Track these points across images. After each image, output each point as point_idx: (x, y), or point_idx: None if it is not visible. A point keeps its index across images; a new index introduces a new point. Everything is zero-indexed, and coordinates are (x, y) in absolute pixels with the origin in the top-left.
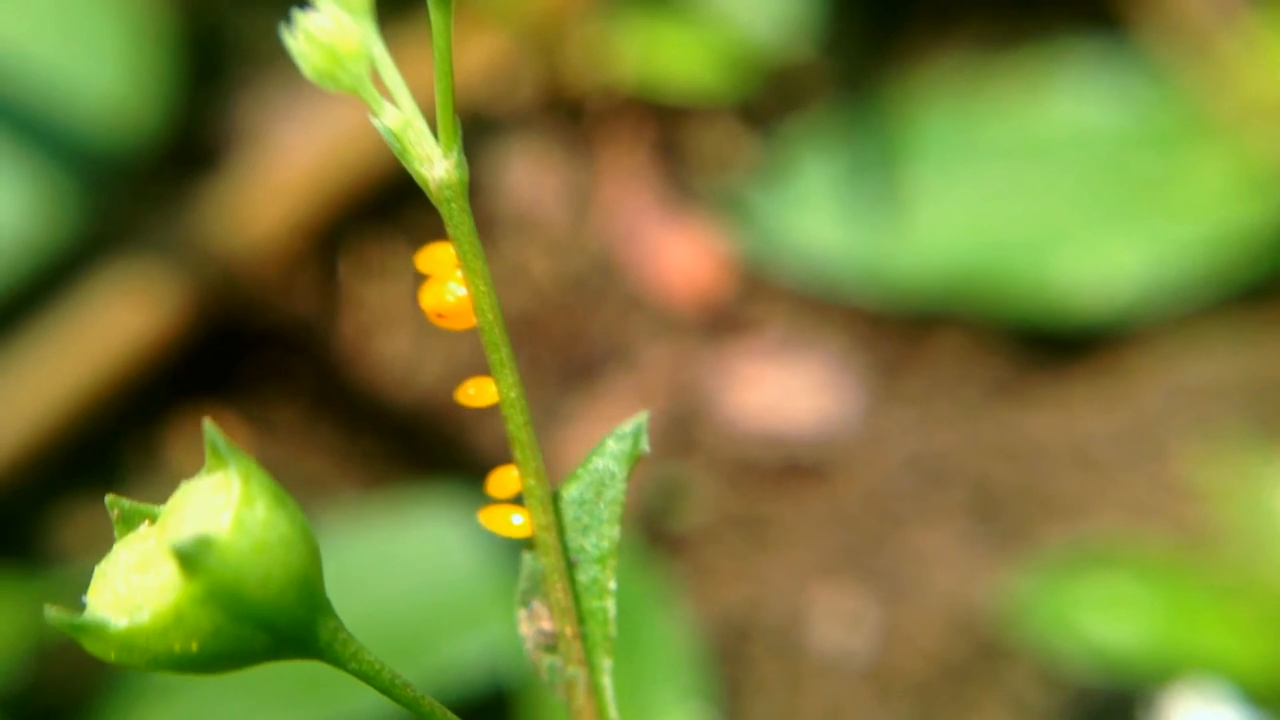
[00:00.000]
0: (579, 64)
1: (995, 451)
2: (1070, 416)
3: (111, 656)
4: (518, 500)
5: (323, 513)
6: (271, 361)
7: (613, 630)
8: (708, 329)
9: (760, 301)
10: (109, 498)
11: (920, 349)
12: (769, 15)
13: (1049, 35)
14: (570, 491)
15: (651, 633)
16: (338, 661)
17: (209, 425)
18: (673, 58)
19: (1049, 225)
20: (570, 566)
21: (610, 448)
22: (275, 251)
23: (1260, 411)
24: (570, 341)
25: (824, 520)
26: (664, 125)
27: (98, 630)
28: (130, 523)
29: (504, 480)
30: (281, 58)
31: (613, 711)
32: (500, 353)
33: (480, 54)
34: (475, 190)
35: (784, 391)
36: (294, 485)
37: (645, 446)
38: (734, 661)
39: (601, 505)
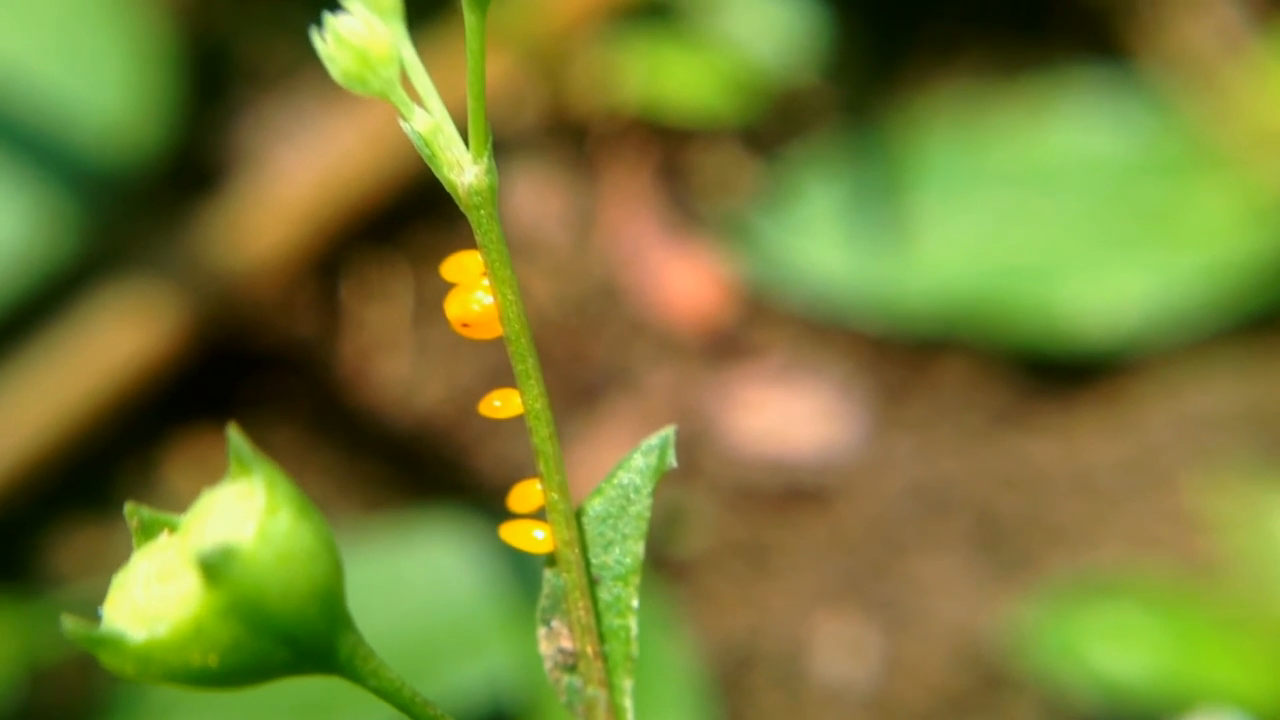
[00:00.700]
0: (583, 87)
1: (999, 479)
2: (1075, 445)
3: (129, 671)
4: (539, 515)
5: None
6: (270, 383)
7: (635, 650)
8: (710, 353)
9: (763, 326)
10: (128, 506)
11: (923, 375)
12: (773, 40)
13: (1052, 64)
14: (594, 506)
15: (653, 659)
16: (357, 678)
17: (233, 433)
18: (677, 82)
19: (1053, 252)
20: (592, 583)
21: (635, 462)
22: (275, 272)
23: (1265, 441)
24: (573, 364)
25: (826, 547)
26: (668, 149)
27: (115, 643)
28: (149, 532)
29: (526, 494)
30: (283, 80)
31: None
32: (526, 363)
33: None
34: None
35: (786, 417)
36: None
37: (672, 461)
38: (736, 690)
39: (625, 521)
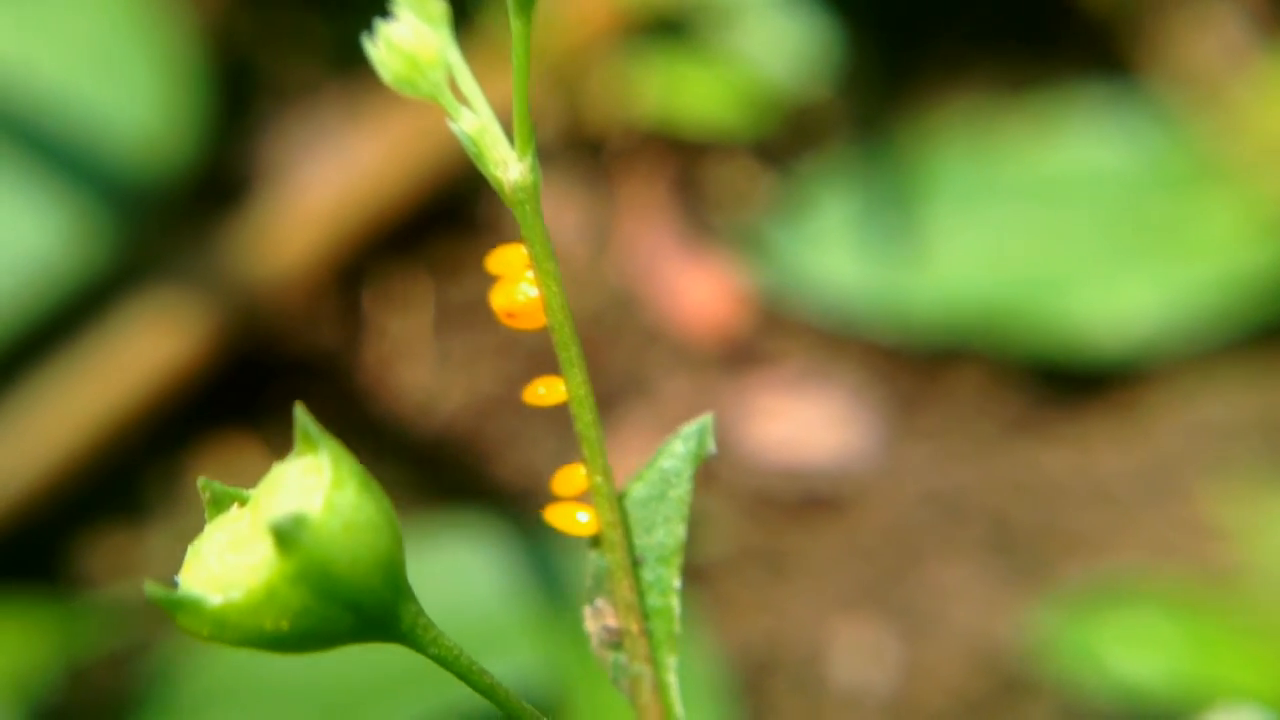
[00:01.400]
0: (600, 101)
1: (1013, 488)
2: (1088, 453)
3: (205, 633)
4: (583, 499)
5: None
6: (295, 390)
7: (678, 627)
8: (726, 363)
9: (778, 336)
10: (200, 480)
11: (937, 385)
12: (787, 55)
13: (1061, 79)
14: (635, 491)
15: None
16: (419, 646)
17: (299, 410)
18: (692, 96)
19: (1064, 264)
20: (635, 564)
21: (676, 448)
22: (299, 282)
23: (1277, 449)
24: (590, 374)
25: (843, 553)
26: (683, 162)
27: (194, 606)
28: (220, 505)
29: (569, 479)
30: (307, 94)
31: (679, 709)
32: (570, 350)
33: (504, 88)
34: (493, 227)
35: (802, 425)
36: None
37: (711, 447)
38: (755, 695)
39: (667, 504)
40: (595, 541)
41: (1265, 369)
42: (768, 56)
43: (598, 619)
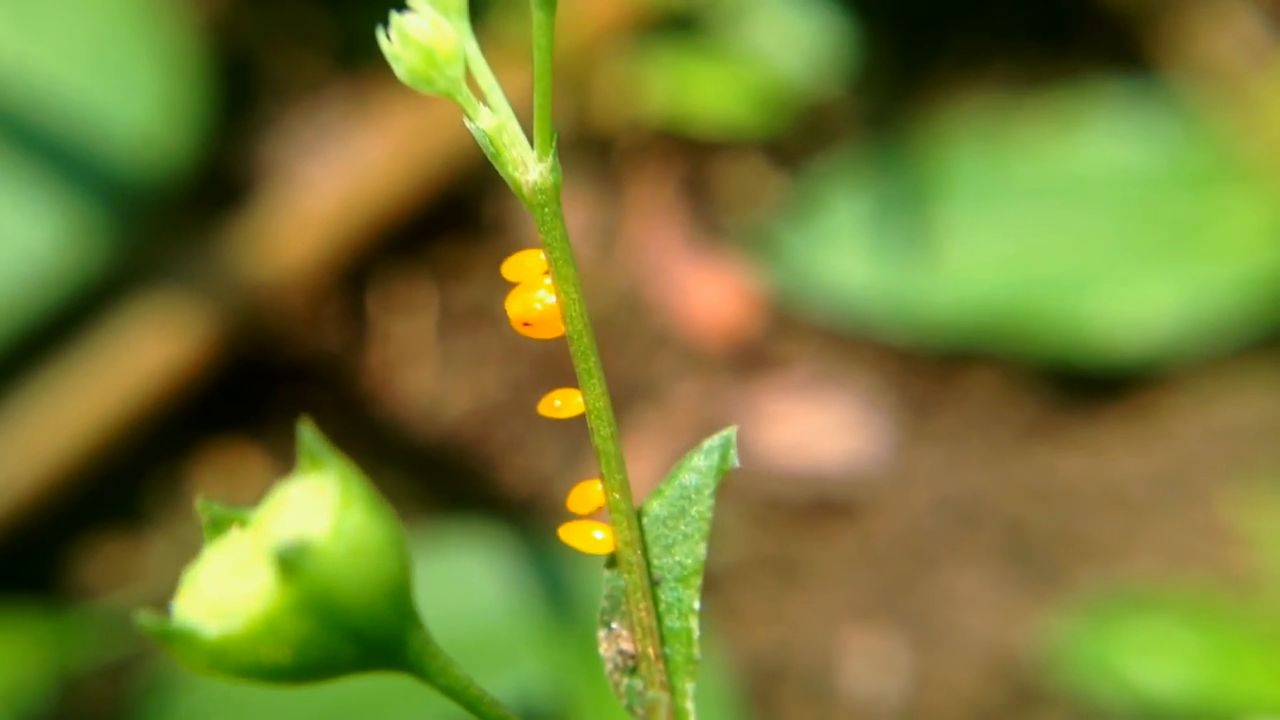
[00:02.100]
0: (608, 100)
1: (1028, 492)
2: (1104, 457)
3: (202, 666)
4: (599, 516)
5: None
6: (297, 395)
7: (697, 652)
8: (736, 366)
9: (789, 339)
10: (199, 501)
11: (951, 388)
12: (798, 53)
13: (1078, 77)
14: (654, 507)
15: None
16: (426, 675)
17: (305, 428)
18: (702, 95)
19: (1082, 264)
20: (652, 585)
21: (697, 463)
22: (302, 285)
23: None
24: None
25: (854, 560)
26: (692, 161)
27: (189, 638)
28: (219, 527)
29: (585, 495)
30: (309, 94)
31: None
32: (589, 361)
33: (511, 89)
34: (502, 228)
35: (813, 429)
36: None
37: (734, 461)
38: (766, 704)
39: (686, 521)
40: (612, 561)
41: None
42: (779, 54)
43: (613, 643)
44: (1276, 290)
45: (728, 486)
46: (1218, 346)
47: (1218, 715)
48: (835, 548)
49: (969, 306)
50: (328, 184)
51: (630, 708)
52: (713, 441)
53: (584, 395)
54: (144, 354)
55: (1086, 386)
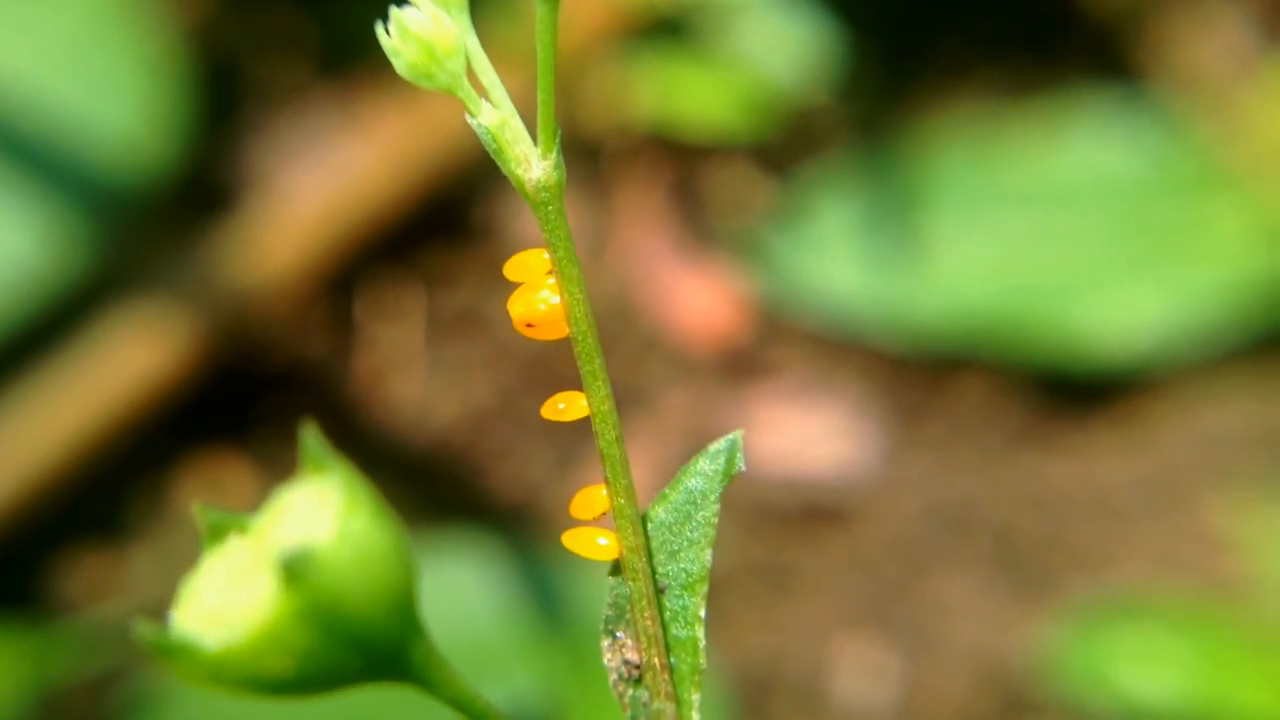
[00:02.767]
0: (597, 105)
1: (1018, 499)
2: (1093, 464)
3: (202, 679)
4: (602, 522)
5: None
6: (283, 403)
7: (704, 661)
8: (726, 372)
9: (779, 345)
10: (197, 506)
11: (941, 394)
12: (787, 58)
13: (1064, 84)
14: (658, 513)
15: None
16: (430, 686)
17: (307, 432)
18: (690, 100)
19: (1069, 271)
20: (657, 592)
21: (702, 467)
22: (287, 292)
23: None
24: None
25: (846, 568)
26: (681, 167)
27: (189, 651)
28: (218, 534)
29: (589, 500)
30: (294, 98)
31: None
32: (594, 363)
33: (510, 89)
34: (490, 232)
35: (803, 436)
36: None
37: (740, 465)
38: (757, 713)
39: (692, 527)
40: (616, 568)
41: (1269, 376)
42: (767, 59)
43: (617, 652)
44: (1262, 297)
45: None
46: (1204, 353)
47: None
48: (826, 555)
49: (958, 312)
50: (313, 189)
51: (635, 718)
52: (718, 445)
53: (588, 398)
54: (127, 362)
55: (1074, 392)
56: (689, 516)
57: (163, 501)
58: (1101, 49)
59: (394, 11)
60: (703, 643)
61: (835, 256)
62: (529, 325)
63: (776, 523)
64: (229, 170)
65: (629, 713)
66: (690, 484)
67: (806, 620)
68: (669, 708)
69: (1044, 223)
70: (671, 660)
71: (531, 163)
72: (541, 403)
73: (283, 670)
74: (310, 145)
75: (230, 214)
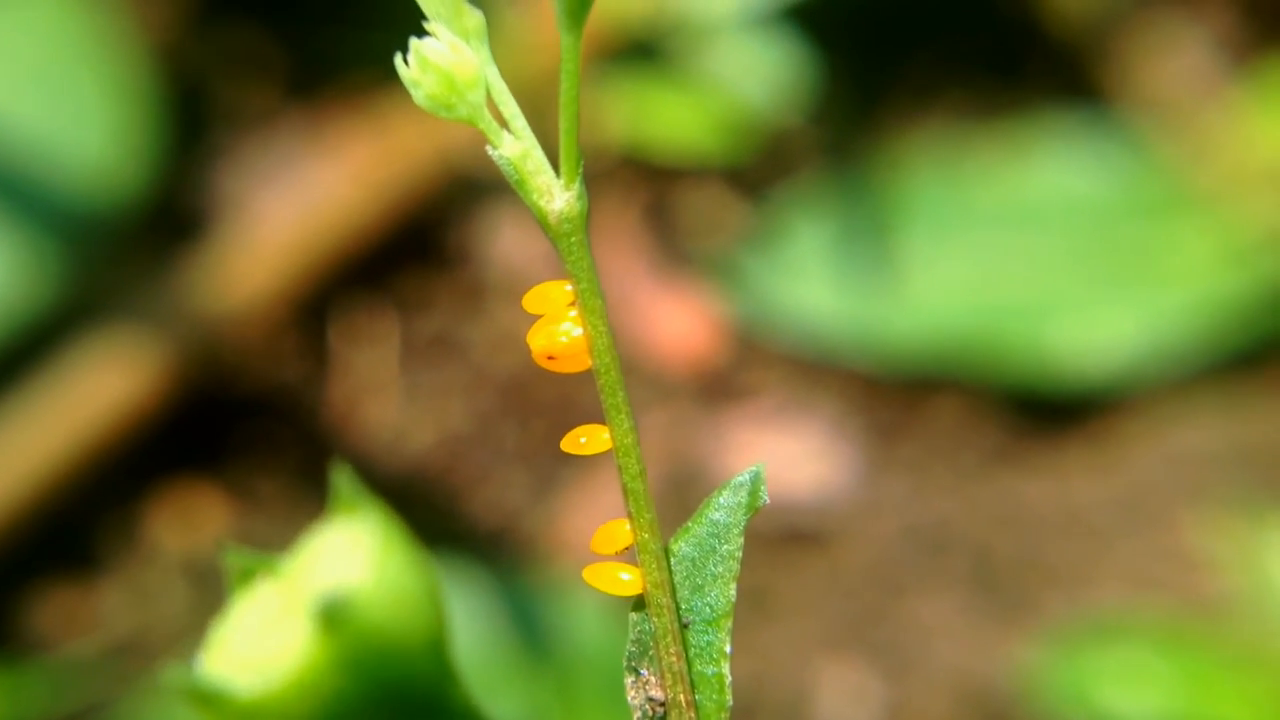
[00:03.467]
0: None
1: (994, 519)
2: (1067, 484)
3: None
4: (625, 557)
5: None
6: (256, 430)
7: (729, 699)
8: (702, 394)
9: (754, 367)
10: (228, 551)
11: (916, 414)
12: (759, 81)
13: (1029, 106)
14: (681, 547)
15: None
16: None
17: (338, 471)
18: (663, 122)
19: (1041, 290)
20: (681, 628)
21: (725, 500)
22: (260, 317)
23: (1252, 478)
24: (562, 408)
25: (825, 590)
26: (655, 189)
27: (220, 699)
28: (248, 577)
29: (611, 535)
30: (263, 122)
31: None
32: (617, 396)
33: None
34: (465, 256)
35: (780, 458)
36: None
37: (764, 498)
38: None
39: (716, 561)
40: (639, 603)
41: (1240, 395)
42: (741, 82)
43: (641, 689)
44: (1230, 316)
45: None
46: (1173, 372)
47: None
48: (805, 578)
49: (931, 333)
50: (284, 214)
51: None
52: (741, 477)
53: (612, 431)
54: (97, 391)
55: (1047, 412)
56: (713, 550)
57: (135, 533)
58: (1067, 71)
59: (414, 42)
60: (729, 679)
61: (809, 278)
62: (550, 358)
63: (756, 546)
64: (199, 195)
65: None
66: (714, 516)
67: (788, 644)
68: None
69: (1014, 243)
70: (697, 697)
71: (554, 194)
72: (518, 427)
73: (316, 717)
74: (281, 169)
75: (201, 239)
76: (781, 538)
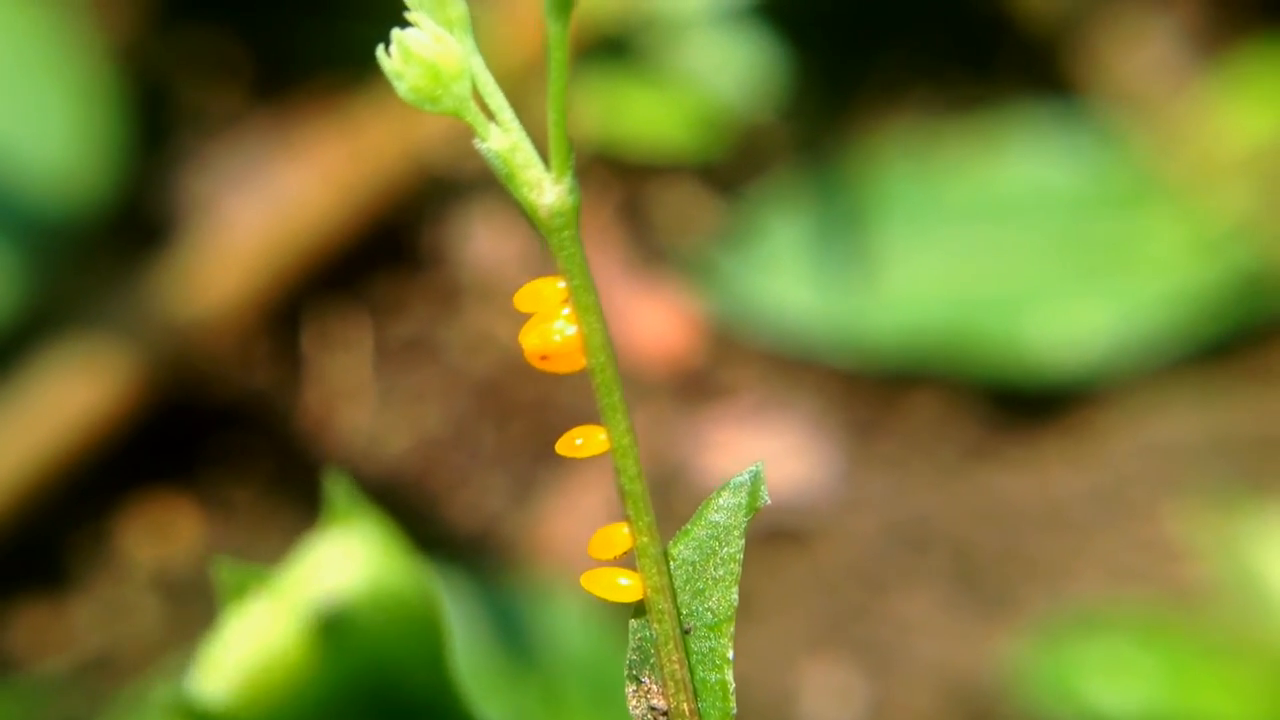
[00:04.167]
0: (541, 124)
1: (974, 514)
2: (1045, 477)
3: None
4: (624, 561)
5: None
6: (228, 439)
7: (734, 706)
8: (679, 393)
9: (732, 365)
10: (219, 563)
11: (894, 410)
12: (732, 77)
13: (999, 99)
14: (681, 551)
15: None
16: None
17: (331, 480)
18: (636, 119)
19: (1015, 284)
20: (684, 634)
21: (725, 501)
22: (230, 324)
23: (1229, 468)
24: (540, 409)
25: (807, 589)
26: (628, 187)
27: (214, 714)
28: (240, 590)
29: (610, 539)
30: (230, 124)
31: None
32: (613, 396)
33: (443, 116)
34: (438, 258)
35: (760, 457)
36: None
37: (765, 498)
38: None
39: (717, 564)
40: (639, 609)
41: (1215, 386)
42: (713, 78)
43: (643, 698)
44: (1203, 306)
45: (673, 517)
46: (1148, 363)
47: None
48: (787, 577)
49: (907, 328)
50: (253, 217)
51: None
52: (740, 477)
53: (609, 432)
54: (63, 402)
55: (1024, 405)
56: (713, 553)
57: (105, 547)
58: (1037, 64)
59: (396, 33)
60: (732, 686)
61: (785, 274)
62: (543, 358)
63: None
64: (165, 200)
65: None
66: (713, 518)
67: (771, 644)
68: None
69: (987, 237)
70: (700, 705)
71: (544, 187)
72: (496, 430)
73: None
74: (248, 172)
75: (168, 245)
76: (761, 536)
